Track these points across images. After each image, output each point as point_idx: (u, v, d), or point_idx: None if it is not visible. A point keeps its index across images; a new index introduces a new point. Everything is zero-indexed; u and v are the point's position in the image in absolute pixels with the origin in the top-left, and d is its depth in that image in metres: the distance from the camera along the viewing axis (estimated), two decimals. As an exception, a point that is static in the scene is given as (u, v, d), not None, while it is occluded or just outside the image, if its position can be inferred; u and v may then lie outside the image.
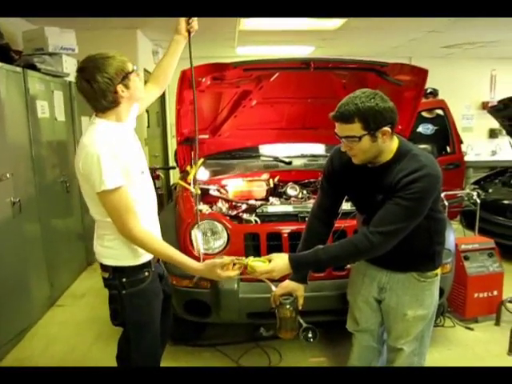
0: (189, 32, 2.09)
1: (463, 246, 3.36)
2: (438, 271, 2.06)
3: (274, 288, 1.97)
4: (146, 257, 1.92)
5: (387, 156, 1.85)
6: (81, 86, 1.78)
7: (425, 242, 1.97)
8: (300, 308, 1.99)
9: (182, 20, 2.08)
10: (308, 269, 2.02)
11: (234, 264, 1.82)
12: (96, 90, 1.75)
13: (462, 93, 7.88)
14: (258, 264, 1.85)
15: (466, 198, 4.26)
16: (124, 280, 1.87)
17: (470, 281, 3.30)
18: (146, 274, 1.91)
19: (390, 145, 1.84)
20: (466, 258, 3.34)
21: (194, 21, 2.08)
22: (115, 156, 1.74)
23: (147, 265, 1.92)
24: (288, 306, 1.94)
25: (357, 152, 1.83)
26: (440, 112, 5.23)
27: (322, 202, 2.15)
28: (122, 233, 1.81)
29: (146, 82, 2.16)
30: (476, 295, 3.33)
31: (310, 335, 1.95)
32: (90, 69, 1.75)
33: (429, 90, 5.58)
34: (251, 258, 1.87)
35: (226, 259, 1.82)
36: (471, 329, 3.31)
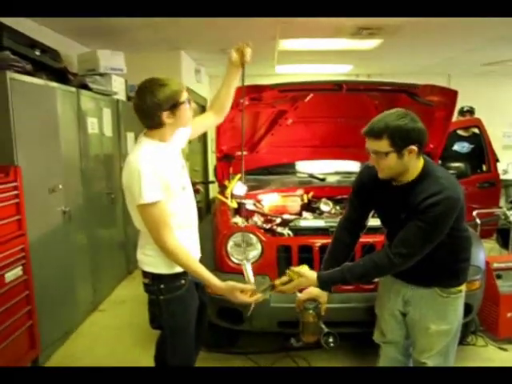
0: (242, 64, 2.18)
1: (495, 265, 3.35)
2: (463, 287, 2.11)
3: (298, 294, 2.11)
4: None
5: (412, 175, 1.95)
6: (134, 104, 1.97)
7: (448, 259, 2.03)
8: (323, 314, 2.09)
9: (234, 51, 2.17)
10: (333, 285, 2.12)
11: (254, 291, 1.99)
12: (145, 110, 1.93)
13: (502, 110, 7.75)
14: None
15: (502, 217, 4.23)
16: (162, 286, 2.02)
17: (503, 300, 3.27)
18: (183, 281, 2.04)
19: (416, 164, 1.93)
20: (499, 277, 3.32)
21: (248, 52, 2.16)
22: (156, 173, 1.89)
23: (184, 273, 2.05)
24: (311, 311, 2.05)
25: (383, 167, 1.93)
26: (476, 130, 5.20)
27: (350, 214, 2.26)
28: (156, 243, 1.96)
29: (197, 104, 2.30)
30: (509, 315, 3.29)
31: (330, 340, 2.05)
32: (144, 91, 1.92)
33: (466, 108, 5.57)
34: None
35: (248, 286, 1.99)
36: (505, 349, 3.26)
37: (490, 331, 3.40)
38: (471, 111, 5.57)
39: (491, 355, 3.20)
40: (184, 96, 1.95)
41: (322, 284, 2.03)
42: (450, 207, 1.86)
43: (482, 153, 5.09)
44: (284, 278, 2.06)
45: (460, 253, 2.07)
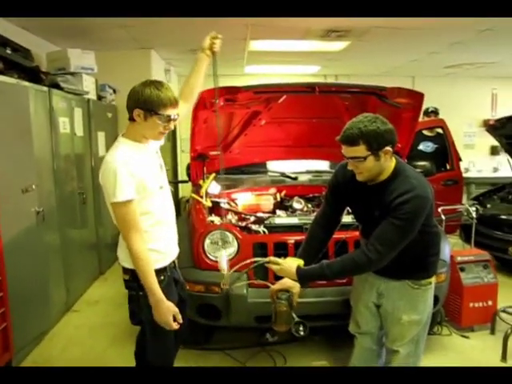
0: (213, 52, 2.30)
1: (459, 258, 3.53)
2: (432, 280, 2.24)
3: (271, 285, 2.23)
4: (162, 263, 2.12)
5: (385, 175, 2.06)
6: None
7: (419, 253, 2.16)
8: (295, 304, 2.18)
9: (208, 38, 2.29)
10: (311, 281, 2.21)
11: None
12: (129, 97, 2.01)
13: (463, 111, 8.09)
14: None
15: (464, 213, 4.44)
16: (142, 282, 2.04)
17: (466, 291, 3.46)
18: (162, 277, 2.09)
19: (389, 164, 2.05)
20: (462, 270, 3.51)
21: (218, 39, 2.29)
22: (131, 173, 1.94)
23: (163, 270, 2.12)
24: (283, 301, 2.15)
25: (362, 170, 2.03)
26: (440, 130, 5.42)
27: (325, 210, 2.36)
28: (124, 241, 2.01)
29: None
30: (471, 305, 3.49)
31: (301, 328, 2.15)
32: (143, 83, 1.99)
33: (430, 109, 5.79)
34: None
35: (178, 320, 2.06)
36: (467, 337, 3.46)
37: (453, 321, 3.59)
38: (436, 112, 5.79)
39: (455, 343, 3.39)
40: (165, 111, 1.97)
41: (301, 278, 2.12)
42: (420, 205, 1.97)
43: (445, 152, 5.31)
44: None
45: (430, 247, 2.19)
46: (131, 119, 2.02)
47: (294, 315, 2.17)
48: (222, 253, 2.38)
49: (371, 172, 2.03)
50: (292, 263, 2.16)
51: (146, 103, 1.95)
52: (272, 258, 2.22)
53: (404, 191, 1.96)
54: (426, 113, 5.76)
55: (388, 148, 1.97)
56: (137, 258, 1.99)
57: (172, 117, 2.00)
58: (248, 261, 2.30)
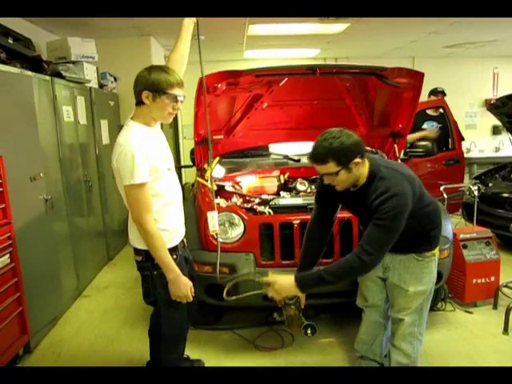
0: (197, 20, 2.41)
1: (462, 236, 3.59)
2: (436, 251, 2.32)
3: None
4: (173, 242, 2.21)
5: (362, 180, 2.13)
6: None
7: (419, 232, 2.24)
8: (302, 307, 2.27)
9: None
10: (312, 287, 2.20)
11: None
12: (136, 81, 2.08)
13: (465, 91, 8.07)
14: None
15: (467, 192, 4.49)
16: (155, 262, 2.13)
17: (469, 267, 3.52)
18: (174, 256, 2.17)
19: (363, 170, 2.11)
20: (465, 247, 3.57)
21: None
22: (147, 156, 2.02)
23: (174, 249, 2.20)
24: (292, 307, 2.25)
25: (337, 183, 2.11)
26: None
27: (318, 211, 2.43)
28: (135, 222, 2.08)
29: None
30: (474, 281, 3.55)
31: (308, 331, 2.25)
32: (149, 68, 2.07)
33: (439, 89, 5.73)
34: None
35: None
36: (470, 312, 3.52)
37: (457, 297, 3.65)
38: (443, 92, 5.73)
39: (458, 318, 3.45)
40: (173, 91, 2.04)
41: (301, 287, 2.13)
42: (398, 203, 2.01)
43: (448, 132, 5.33)
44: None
45: (427, 224, 2.26)
46: (139, 103, 2.08)
47: (303, 318, 2.27)
48: (214, 214, 2.49)
49: (347, 182, 2.10)
50: (286, 277, 2.15)
51: (154, 85, 2.01)
52: (265, 279, 2.20)
53: (379, 193, 2.03)
54: (434, 93, 5.72)
55: (357, 160, 2.02)
56: (152, 238, 2.06)
57: (179, 97, 2.06)
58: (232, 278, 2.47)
